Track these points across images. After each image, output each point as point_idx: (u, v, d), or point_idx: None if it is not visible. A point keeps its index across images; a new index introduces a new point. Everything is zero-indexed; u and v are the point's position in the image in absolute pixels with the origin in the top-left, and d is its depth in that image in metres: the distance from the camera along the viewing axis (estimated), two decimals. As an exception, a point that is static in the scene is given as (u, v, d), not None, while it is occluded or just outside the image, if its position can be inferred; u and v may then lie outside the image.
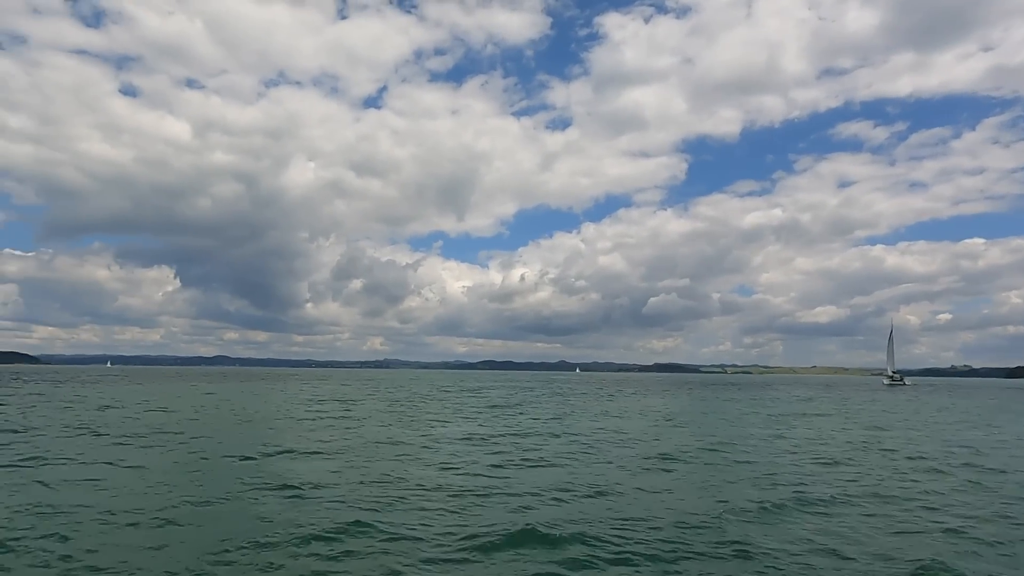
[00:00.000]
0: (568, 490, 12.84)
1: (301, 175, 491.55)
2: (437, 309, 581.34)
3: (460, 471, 14.89)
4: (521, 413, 34.24)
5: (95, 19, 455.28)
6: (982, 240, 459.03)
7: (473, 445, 19.67)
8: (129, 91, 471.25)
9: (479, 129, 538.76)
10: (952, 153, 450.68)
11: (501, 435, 22.53)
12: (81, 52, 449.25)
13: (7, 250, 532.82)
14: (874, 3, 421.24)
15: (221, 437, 20.57)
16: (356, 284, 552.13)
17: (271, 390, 59.23)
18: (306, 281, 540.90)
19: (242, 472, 14.23)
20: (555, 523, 10.15)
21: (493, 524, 10.12)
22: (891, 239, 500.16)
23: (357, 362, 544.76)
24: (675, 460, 17.03)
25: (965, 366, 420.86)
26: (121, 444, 18.40)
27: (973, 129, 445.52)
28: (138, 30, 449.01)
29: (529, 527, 9.72)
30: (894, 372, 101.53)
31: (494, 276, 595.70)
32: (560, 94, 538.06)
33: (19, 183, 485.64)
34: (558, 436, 22.58)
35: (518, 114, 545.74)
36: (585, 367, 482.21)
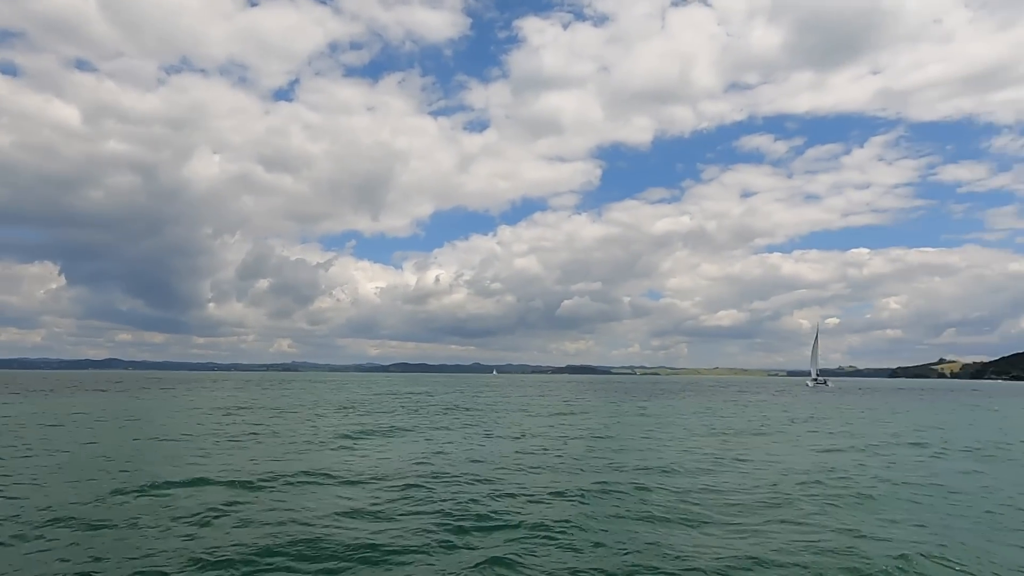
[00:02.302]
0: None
1: (205, 168, 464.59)
2: (349, 310, 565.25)
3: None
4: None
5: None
6: (867, 250, 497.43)
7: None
8: (9, 69, 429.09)
9: (396, 127, 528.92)
10: (843, 168, 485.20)
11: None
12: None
13: None
14: (778, 23, 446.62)
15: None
16: (263, 284, 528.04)
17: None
18: (209, 280, 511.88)
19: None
20: None
21: None
22: (787, 247, 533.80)
23: (263, 365, 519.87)
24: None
25: (851, 367, 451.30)
26: None
27: (862, 146, 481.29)
28: (22, 2, 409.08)
29: None
30: (817, 375, 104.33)
31: (408, 277, 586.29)
32: (479, 95, 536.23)
33: None
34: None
35: (436, 114, 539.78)
36: (500, 369, 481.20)
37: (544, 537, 9.55)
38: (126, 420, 28.83)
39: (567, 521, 10.41)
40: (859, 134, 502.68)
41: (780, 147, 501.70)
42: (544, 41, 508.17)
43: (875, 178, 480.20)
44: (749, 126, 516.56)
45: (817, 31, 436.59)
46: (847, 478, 14.91)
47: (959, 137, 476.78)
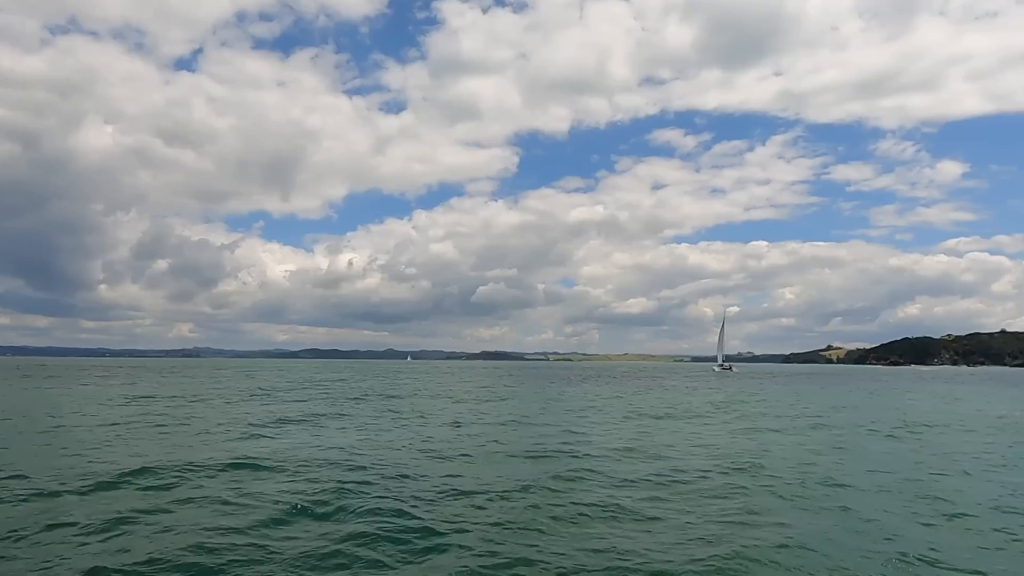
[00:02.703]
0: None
1: (96, 139, 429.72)
2: (256, 294, 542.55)
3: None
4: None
5: None
6: (765, 243, 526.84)
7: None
8: None
9: (309, 105, 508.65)
10: (746, 164, 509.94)
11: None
12: None
13: None
14: (690, 21, 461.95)
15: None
16: (161, 265, 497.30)
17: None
18: (100, 260, 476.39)
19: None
20: None
21: None
22: (694, 239, 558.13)
23: (161, 351, 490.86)
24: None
25: (749, 352, 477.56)
26: None
27: (764, 144, 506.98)
28: None
29: None
30: (724, 360, 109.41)
31: (320, 261, 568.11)
32: (396, 76, 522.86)
33: None
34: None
35: (351, 93, 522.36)
36: (414, 355, 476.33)
37: (498, 540, 8.88)
38: (7, 412, 25.85)
39: (527, 521, 9.77)
40: (761, 132, 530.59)
41: (689, 142, 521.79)
42: (463, 24, 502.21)
43: (775, 175, 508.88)
44: (661, 120, 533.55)
45: (727, 31, 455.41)
46: (788, 463, 15.10)
47: (849, 139, 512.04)
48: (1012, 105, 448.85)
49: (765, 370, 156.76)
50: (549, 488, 11.87)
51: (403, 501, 10.65)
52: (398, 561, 7.95)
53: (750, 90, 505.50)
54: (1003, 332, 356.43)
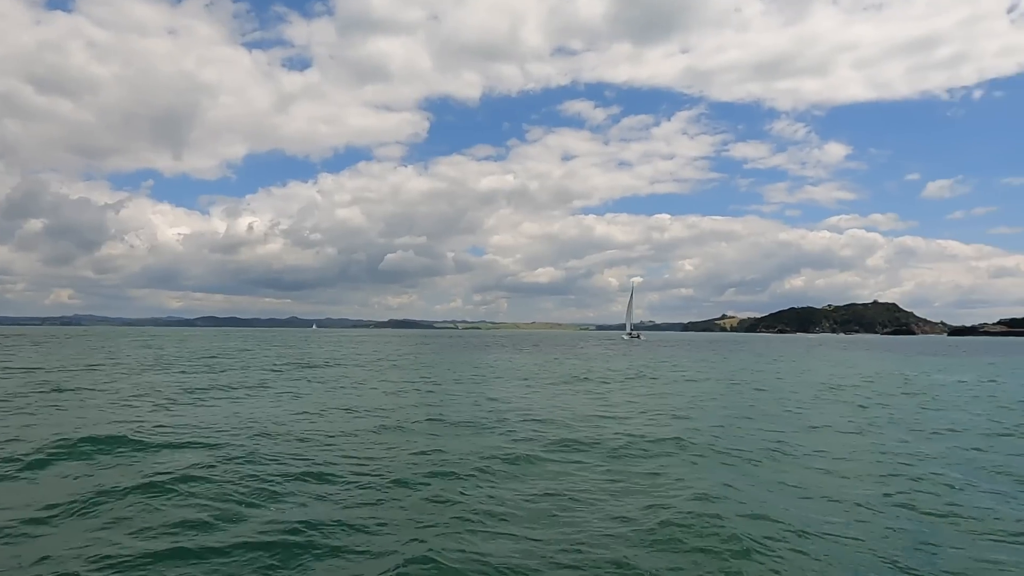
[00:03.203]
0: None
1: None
2: (146, 258, 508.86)
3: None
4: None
5: None
6: (668, 216, 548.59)
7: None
8: None
9: (203, 56, 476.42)
10: (653, 139, 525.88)
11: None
12: None
13: None
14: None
15: None
16: (35, 224, 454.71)
17: None
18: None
19: None
20: None
21: None
22: (601, 210, 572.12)
23: (36, 318, 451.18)
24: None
25: (650, 321, 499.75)
26: None
27: (669, 120, 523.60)
28: None
29: None
30: (633, 329, 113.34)
31: (217, 224, 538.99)
32: (300, 31, 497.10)
33: None
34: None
35: (250, 46, 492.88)
36: (320, 323, 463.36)
37: (468, 529, 8.23)
38: None
39: (488, 506, 9.15)
40: (668, 108, 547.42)
41: (599, 114, 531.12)
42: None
43: (678, 150, 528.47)
44: (572, 91, 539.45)
45: (637, 5, 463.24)
46: (737, 433, 15.23)
47: (748, 118, 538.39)
48: (891, 93, 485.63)
49: (668, 338, 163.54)
50: (503, 469, 10.99)
51: (365, 486, 9.68)
52: (365, 551, 7.10)
53: (658, 65, 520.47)
54: (875, 303, 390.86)
